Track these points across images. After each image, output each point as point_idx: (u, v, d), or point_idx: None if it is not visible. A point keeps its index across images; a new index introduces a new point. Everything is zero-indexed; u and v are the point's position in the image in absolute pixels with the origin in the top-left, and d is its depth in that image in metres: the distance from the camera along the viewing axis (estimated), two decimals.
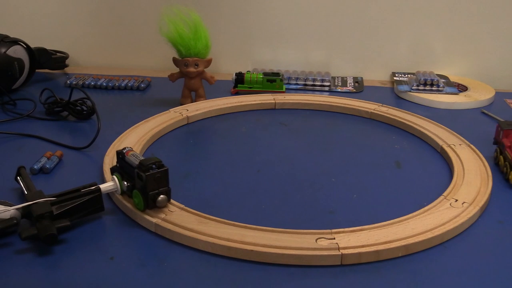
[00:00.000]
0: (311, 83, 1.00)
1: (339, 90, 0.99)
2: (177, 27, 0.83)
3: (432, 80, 0.95)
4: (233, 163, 0.70)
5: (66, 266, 0.48)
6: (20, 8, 1.11)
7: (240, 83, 0.95)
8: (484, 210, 0.59)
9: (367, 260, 0.49)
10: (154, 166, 0.54)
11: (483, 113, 0.89)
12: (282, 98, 0.90)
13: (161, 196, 0.54)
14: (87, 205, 0.53)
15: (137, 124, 0.77)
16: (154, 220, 0.53)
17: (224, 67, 1.11)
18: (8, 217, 0.51)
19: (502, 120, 0.80)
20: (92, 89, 0.97)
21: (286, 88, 0.98)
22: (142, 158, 0.55)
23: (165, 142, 0.76)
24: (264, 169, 0.68)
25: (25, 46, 0.94)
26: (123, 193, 0.57)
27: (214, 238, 0.50)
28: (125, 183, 0.56)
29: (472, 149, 0.71)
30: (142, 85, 0.97)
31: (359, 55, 1.09)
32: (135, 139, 0.72)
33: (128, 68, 1.11)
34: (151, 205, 0.54)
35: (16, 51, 0.91)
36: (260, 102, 0.89)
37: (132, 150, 0.57)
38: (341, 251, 0.49)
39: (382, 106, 0.87)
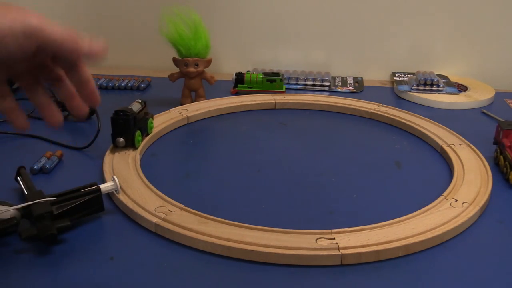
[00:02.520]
0: (311, 83, 1.00)
1: (339, 90, 0.99)
2: (177, 27, 0.83)
3: (432, 80, 0.95)
4: (233, 163, 0.70)
5: (66, 266, 0.48)
6: None
7: (240, 83, 0.95)
8: (484, 210, 0.59)
9: (367, 260, 0.49)
10: (121, 113, 0.67)
11: (483, 113, 0.89)
12: (282, 98, 0.90)
13: (120, 138, 0.68)
14: (87, 205, 0.53)
15: None
16: (154, 220, 0.53)
17: (224, 67, 1.11)
18: (8, 217, 0.51)
19: (502, 120, 0.80)
20: None
21: (286, 88, 0.98)
22: (131, 107, 0.69)
23: (165, 142, 0.76)
24: (264, 169, 0.68)
25: None
26: None
27: (214, 238, 0.50)
28: None
29: (472, 149, 0.71)
30: (142, 85, 0.97)
31: (359, 55, 1.09)
32: None
33: (128, 68, 1.11)
34: (115, 143, 0.68)
35: None
36: (260, 102, 0.89)
37: (138, 101, 0.71)
38: (341, 251, 0.49)
39: (382, 106, 0.87)
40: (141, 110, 0.70)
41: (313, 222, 0.56)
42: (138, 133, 0.69)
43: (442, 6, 1.03)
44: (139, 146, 0.69)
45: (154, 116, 0.80)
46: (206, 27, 0.85)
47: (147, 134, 0.73)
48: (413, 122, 0.80)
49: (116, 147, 0.68)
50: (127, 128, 0.68)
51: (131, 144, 0.68)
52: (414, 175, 0.67)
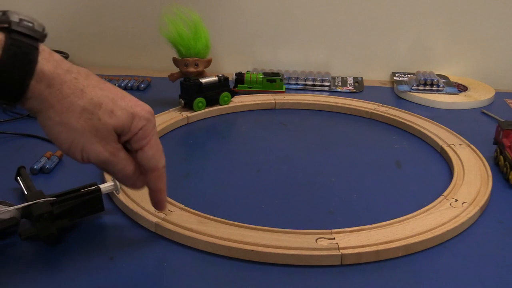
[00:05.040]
0: (311, 83, 1.00)
1: (339, 90, 0.99)
2: (177, 27, 0.83)
3: (432, 80, 0.95)
4: (233, 163, 0.70)
5: (66, 266, 0.48)
6: (20, 8, 1.10)
7: (240, 83, 0.95)
8: (484, 210, 0.59)
9: (367, 260, 0.49)
10: (187, 80, 0.82)
11: (483, 113, 0.89)
12: (282, 98, 0.90)
13: (181, 99, 0.83)
14: (87, 205, 0.53)
15: None
16: (154, 220, 0.53)
17: (224, 67, 1.11)
18: (8, 217, 0.51)
19: (502, 120, 0.80)
20: None
21: (286, 88, 0.98)
22: (204, 78, 0.83)
23: (165, 142, 0.75)
24: (264, 169, 0.68)
25: None
26: None
27: (214, 238, 0.50)
28: None
29: (472, 149, 0.71)
30: (142, 85, 0.97)
31: (359, 55, 1.09)
32: None
33: (128, 68, 1.11)
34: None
35: None
36: (260, 102, 0.89)
37: (218, 75, 0.84)
38: (341, 251, 0.49)
39: (382, 106, 0.87)
40: (214, 83, 0.83)
41: (313, 222, 0.56)
42: (199, 99, 0.82)
43: (442, 6, 1.03)
44: (198, 110, 0.83)
45: (155, 116, 0.80)
46: (206, 27, 0.85)
47: (220, 105, 0.86)
48: (413, 122, 0.80)
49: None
50: (188, 93, 0.82)
51: (189, 107, 0.83)
52: (414, 175, 0.67)
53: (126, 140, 0.46)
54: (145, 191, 0.58)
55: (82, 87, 0.43)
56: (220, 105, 0.86)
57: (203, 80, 0.82)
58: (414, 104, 0.93)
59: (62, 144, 0.43)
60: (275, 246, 0.49)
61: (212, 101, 0.84)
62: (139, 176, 0.48)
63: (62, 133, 0.43)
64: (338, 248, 0.49)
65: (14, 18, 0.41)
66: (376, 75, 1.09)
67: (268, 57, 1.10)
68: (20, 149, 0.71)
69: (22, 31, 0.41)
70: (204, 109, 0.84)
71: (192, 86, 0.81)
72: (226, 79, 0.85)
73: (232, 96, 0.87)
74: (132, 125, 0.45)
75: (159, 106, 0.86)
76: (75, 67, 0.43)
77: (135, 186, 0.48)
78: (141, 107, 0.46)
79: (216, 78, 0.84)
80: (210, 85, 0.83)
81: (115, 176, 0.47)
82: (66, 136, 0.43)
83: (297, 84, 1.01)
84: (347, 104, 0.88)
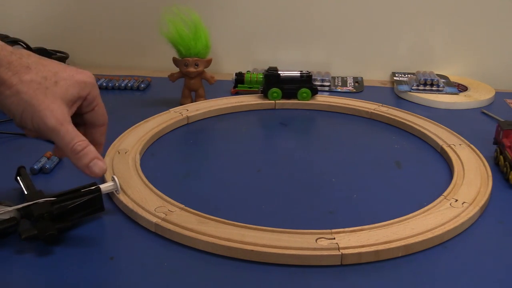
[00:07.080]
0: None
1: (339, 90, 0.99)
2: (177, 27, 0.83)
3: (432, 80, 0.95)
4: (233, 163, 0.70)
5: (66, 266, 0.48)
6: (20, 8, 1.10)
7: (240, 83, 0.95)
8: (484, 210, 0.58)
9: (367, 260, 0.49)
10: (269, 70, 0.88)
11: (483, 113, 0.89)
12: None
13: (260, 87, 0.91)
14: (87, 205, 0.53)
15: (137, 124, 0.77)
16: (154, 220, 0.53)
17: (225, 67, 1.11)
18: (8, 217, 0.51)
19: (502, 120, 0.80)
20: None
21: None
22: (285, 72, 0.87)
23: (165, 142, 0.76)
24: (264, 169, 0.68)
25: (25, 46, 0.94)
26: None
27: (214, 238, 0.50)
28: None
29: (472, 149, 0.71)
30: (142, 85, 0.97)
31: (359, 55, 1.09)
32: (135, 139, 0.72)
33: (128, 68, 1.11)
34: None
35: None
36: (260, 102, 0.89)
37: (300, 71, 0.88)
38: (341, 251, 0.49)
39: (382, 106, 0.87)
40: (294, 77, 0.87)
41: (313, 222, 0.56)
42: (274, 90, 0.87)
43: (442, 6, 1.03)
44: (272, 99, 0.88)
45: (154, 116, 0.80)
46: (206, 27, 0.85)
47: (298, 100, 0.89)
48: (413, 122, 0.80)
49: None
50: (265, 82, 0.88)
51: (265, 95, 0.88)
52: (414, 175, 0.67)
53: (78, 106, 0.51)
54: (145, 193, 0.58)
55: (27, 64, 0.48)
56: (298, 100, 0.88)
57: (282, 73, 0.86)
58: (414, 104, 0.93)
59: (15, 115, 0.48)
60: (275, 246, 0.49)
61: (289, 95, 0.88)
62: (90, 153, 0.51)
63: (13, 104, 0.47)
64: (338, 248, 0.49)
65: None
66: (376, 75, 1.09)
67: (268, 57, 1.10)
68: (20, 149, 0.71)
69: None
70: (280, 100, 0.88)
71: (269, 76, 0.86)
72: (309, 76, 0.87)
73: (314, 94, 0.89)
74: (80, 92, 0.50)
75: (159, 106, 0.87)
76: (17, 49, 0.49)
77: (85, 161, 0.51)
78: (82, 74, 0.50)
79: (298, 73, 0.87)
80: (289, 78, 0.87)
81: (64, 150, 0.49)
82: (16, 107, 0.47)
83: None
84: (347, 104, 0.88)
